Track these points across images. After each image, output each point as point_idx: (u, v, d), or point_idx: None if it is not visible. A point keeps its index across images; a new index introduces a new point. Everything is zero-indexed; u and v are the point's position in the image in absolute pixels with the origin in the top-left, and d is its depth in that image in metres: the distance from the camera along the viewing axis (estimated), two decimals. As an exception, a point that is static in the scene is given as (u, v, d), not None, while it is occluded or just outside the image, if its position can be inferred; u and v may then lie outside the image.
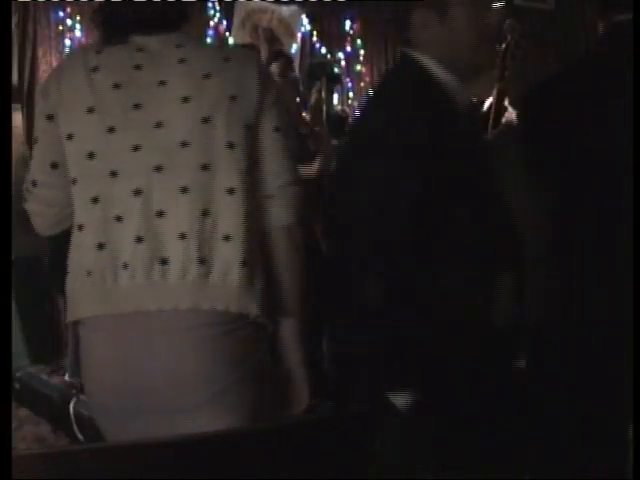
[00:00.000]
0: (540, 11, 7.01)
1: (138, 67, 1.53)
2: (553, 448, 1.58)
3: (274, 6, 6.41)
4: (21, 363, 5.11)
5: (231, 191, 1.48)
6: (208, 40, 6.26)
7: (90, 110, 1.51)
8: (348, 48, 6.68)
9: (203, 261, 1.46)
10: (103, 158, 1.50)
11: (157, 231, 1.47)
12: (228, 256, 1.47)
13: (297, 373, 1.60)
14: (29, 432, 4.23)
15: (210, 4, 6.23)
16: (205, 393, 1.47)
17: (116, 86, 1.52)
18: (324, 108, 4.38)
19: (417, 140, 1.53)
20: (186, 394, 1.47)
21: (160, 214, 1.47)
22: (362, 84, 6.81)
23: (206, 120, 1.48)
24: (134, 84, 1.52)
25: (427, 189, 1.53)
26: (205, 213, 1.47)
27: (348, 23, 6.68)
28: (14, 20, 5.14)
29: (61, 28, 5.44)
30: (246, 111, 1.51)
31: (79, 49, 1.63)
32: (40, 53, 5.36)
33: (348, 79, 6.66)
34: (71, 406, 4.13)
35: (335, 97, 5.19)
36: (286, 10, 6.47)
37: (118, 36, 1.56)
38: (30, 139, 5.33)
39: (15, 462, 1.03)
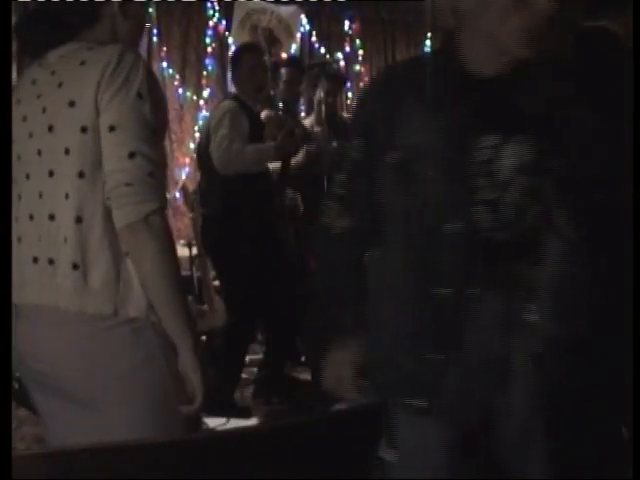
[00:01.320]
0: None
1: (34, 82, 1.68)
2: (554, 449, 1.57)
3: (273, 6, 6.41)
4: (20, 363, 5.11)
5: (67, 196, 1.58)
6: (207, 40, 6.27)
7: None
8: (347, 48, 6.69)
9: (52, 262, 1.60)
10: (13, 166, 1.68)
11: (29, 232, 1.64)
12: (66, 258, 1.58)
13: (186, 367, 1.59)
14: (28, 432, 4.22)
15: (210, 4, 6.23)
16: (86, 389, 1.57)
17: (18, 101, 1.70)
18: (323, 108, 4.39)
19: None
20: (72, 389, 1.58)
21: (31, 217, 1.63)
22: (361, 84, 6.81)
23: (51, 128, 1.59)
24: (27, 98, 1.67)
25: None
26: (52, 217, 1.59)
27: (347, 23, 6.68)
28: (14, 20, 5.13)
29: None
30: (82, 114, 1.55)
31: None
32: (39, 53, 5.35)
33: (347, 80, 6.67)
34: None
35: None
36: (285, 10, 6.47)
37: (32, 53, 1.72)
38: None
39: (15, 462, 1.03)
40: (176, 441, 1.21)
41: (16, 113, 1.69)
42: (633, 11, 1.45)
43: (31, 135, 1.64)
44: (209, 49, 6.28)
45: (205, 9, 6.23)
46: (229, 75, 6.20)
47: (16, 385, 5.05)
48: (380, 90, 1.63)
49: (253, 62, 4.16)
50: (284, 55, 6.32)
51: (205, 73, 6.26)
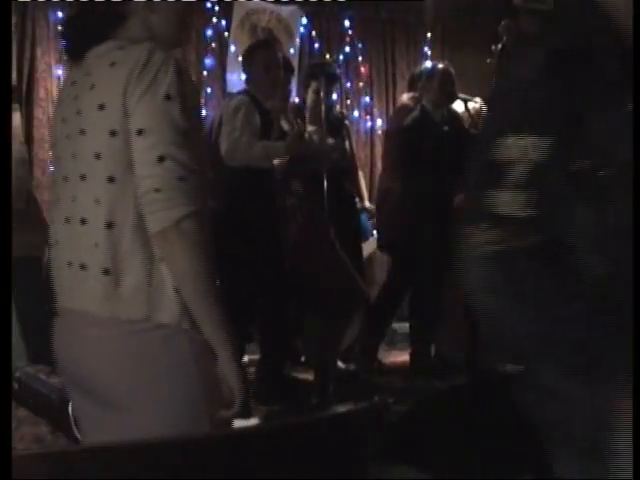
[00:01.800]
0: (540, 11, 7.00)
1: (73, 83, 1.66)
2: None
3: (273, 6, 6.41)
4: (20, 363, 5.10)
5: (97, 201, 1.56)
6: (207, 39, 6.27)
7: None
8: (347, 48, 6.68)
9: (83, 267, 1.58)
10: (54, 168, 1.71)
11: (65, 236, 1.63)
12: (97, 263, 1.56)
13: (225, 372, 1.56)
14: (28, 432, 4.22)
15: (209, 4, 6.23)
16: (116, 391, 1.56)
17: (60, 102, 1.71)
18: (323, 108, 4.38)
19: None
20: (102, 391, 1.57)
21: (67, 220, 1.62)
22: (360, 84, 6.80)
23: (83, 131, 1.57)
24: (66, 99, 1.66)
25: None
26: (83, 222, 1.58)
27: (347, 23, 6.67)
28: (13, 20, 5.13)
29: (60, 28, 5.42)
30: (111, 118, 1.53)
31: None
32: (39, 53, 5.35)
33: (347, 79, 6.66)
34: (70, 406, 4.13)
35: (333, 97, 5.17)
36: (285, 10, 6.47)
37: (74, 53, 1.70)
38: (29, 139, 5.33)
39: (15, 462, 1.03)
40: (176, 441, 1.21)
41: (57, 115, 1.70)
42: (633, 11, 1.44)
43: (68, 137, 1.62)
44: (209, 48, 6.27)
45: (205, 9, 6.22)
46: (228, 75, 6.23)
47: (16, 385, 5.05)
48: (551, 71, 1.27)
49: (267, 59, 4.18)
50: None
51: (205, 73, 6.25)
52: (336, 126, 4.78)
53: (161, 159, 1.50)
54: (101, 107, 1.54)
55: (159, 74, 1.51)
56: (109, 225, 1.54)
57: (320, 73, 4.52)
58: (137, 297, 1.54)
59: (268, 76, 4.15)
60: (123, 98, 1.51)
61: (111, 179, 1.54)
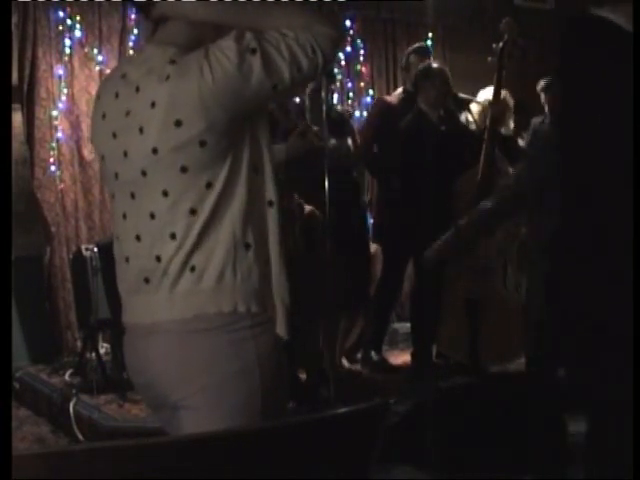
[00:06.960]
0: (540, 11, 7.01)
1: (117, 95, 1.61)
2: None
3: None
4: (21, 363, 5.11)
5: (193, 212, 1.54)
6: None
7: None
8: (348, 48, 6.68)
9: (147, 281, 1.60)
10: (109, 184, 1.72)
11: (137, 253, 1.62)
12: (178, 260, 1.56)
13: None
14: (29, 432, 4.23)
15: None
16: (183, 395, 1.56)
17: (103, 116, 1.64)
18: (324, 107, 4.37)
19: None
20: (169, 392, 1.59)
21: (138, 238, 1.61)
22: (362, 84, 6.80)
23: (155, 151, 1.53)
24: (113, 113, 1.61)
25: None
26: (173, 236, 1.56)
27: (348, 23, 6.67)
28: (14, 20, 5.13)
29: (61, 28, 5.42)
30: (196, 130, 1.50)
31: None
32: (40, 53, 5.35)
33: (348, 79, 6.66)
34: (71, 406, 4.13)
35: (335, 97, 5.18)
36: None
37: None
38: (30, 139, 5.33)
39: (15, 462, 1.03)
40: (176, 441, 1.21)
41: (103, 128, 1.64)
42: (633, 11, 1.44)
43: (127, 154, 1.58)
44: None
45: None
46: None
47: (17, 385, 5.05)
48: None
49: None
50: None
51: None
52: (339, 125, 4.77)
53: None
54: (177, 123, 1.50)
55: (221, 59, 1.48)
56: (210, 236, 1.55)
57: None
58: (223, 289, 1.55)
59: None
60: (201, 104, 1.48)
61: (209, 185, 1.53)
